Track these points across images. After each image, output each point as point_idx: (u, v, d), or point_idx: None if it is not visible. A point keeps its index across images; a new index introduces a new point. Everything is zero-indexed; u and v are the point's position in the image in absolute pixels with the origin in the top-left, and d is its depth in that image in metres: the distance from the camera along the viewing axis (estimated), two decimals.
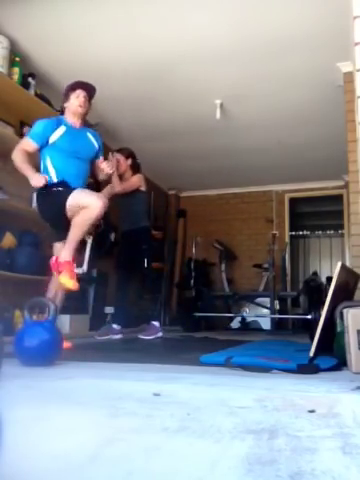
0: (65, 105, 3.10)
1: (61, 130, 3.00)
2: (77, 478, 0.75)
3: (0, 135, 3.43)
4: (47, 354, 1.96)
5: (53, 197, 2.87)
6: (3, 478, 0.74)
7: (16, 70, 3.58)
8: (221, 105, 4.48)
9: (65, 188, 2.87)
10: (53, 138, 2.97)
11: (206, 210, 7.31)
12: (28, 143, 2.97)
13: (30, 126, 3.92)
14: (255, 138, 5.29)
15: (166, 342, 3.60)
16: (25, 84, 3.68)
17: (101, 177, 3.25)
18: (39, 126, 3.00)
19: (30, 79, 3.74)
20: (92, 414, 1.13)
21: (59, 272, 2.79)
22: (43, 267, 3.61)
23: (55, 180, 2.93)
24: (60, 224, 2.89)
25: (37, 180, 2.86)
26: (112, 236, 4.30)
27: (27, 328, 2.05)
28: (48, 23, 3.39)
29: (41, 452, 0.86)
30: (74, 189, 2.84)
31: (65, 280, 2.73)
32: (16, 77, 3.58)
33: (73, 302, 3.86)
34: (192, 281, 6.26)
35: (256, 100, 4.44)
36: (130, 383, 1.57)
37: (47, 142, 2.97)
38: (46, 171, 2.98)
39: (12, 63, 3.56)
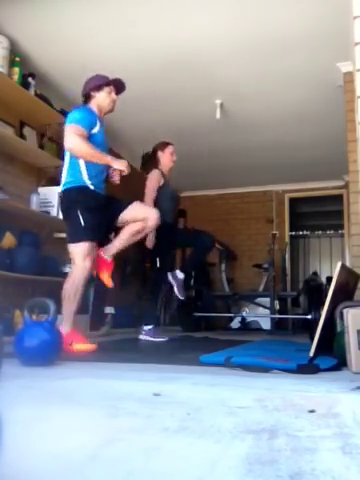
0: (93, 94, 2.88)
1: (98, 125, 2.82)
2: (77, 478, 0.75)
3: (0, 135, 3.43)
4: (47, 354, 1.96)
5: (74, 218, 2.74)
6: (3, 478, 0.74)
7: (16, 70, 3.58)
8: (221, 105, 4.48)
9: (85, 225, 2.72)
10: (95, 130, 2.77)
11: (206, 210, 7.31)
12: (81, 130, 2.68)
13: (30, 126, 3.95)
14: (255, 138, 5.29)
15: (166, 342, 3.59)
16: (25, 84, 3.68)
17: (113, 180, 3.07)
18: (84, 113, 2.78)
19: (30, 79, 3.74)
20: (92, 414, 1.13)
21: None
22: (43, 267, 3.62)
23: (88, 183, 2.78)
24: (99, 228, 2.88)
25: (123, 163, 2.75)
26: (112, 236, 4.29)
27: (27, 328, 2.05)
28: (48, 23, 3.39)
29: (41, 452, 0.86)
30: (92, 221, 2.75)
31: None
32: (16, 77, 3.58)
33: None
34: (192, 281, 6.25)
35: (256, 100, 4.45)
36: (130, 383, 1.57)
37: (89, 134, 2.73)
38: (76, 168, 2.77)
39: (12, 63, 3.56)
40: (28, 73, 3.76)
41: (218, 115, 4.47)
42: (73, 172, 2.79)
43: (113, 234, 3.14)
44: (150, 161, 3.97)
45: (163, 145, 3.93)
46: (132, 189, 3.88)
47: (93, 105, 2.90)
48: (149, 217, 2.90)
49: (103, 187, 2.94)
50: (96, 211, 2.80)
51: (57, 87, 4.18)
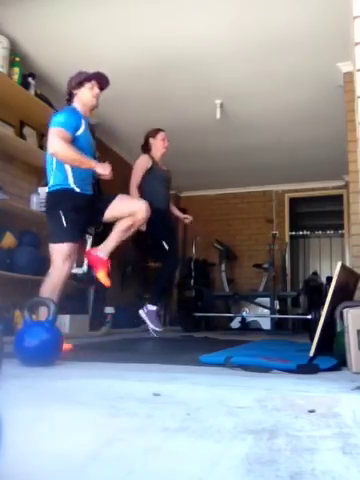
0: (75, 92, 2.87)
1: (83, 125, 2.78)
2: (77, 478, 0.75)
3: (0, 135, 3.43)
4: (47, 354, 1.96)
5: (56, 218, 2.72)
6: (3, 478, 0.74)
7: (16, 70, 3.59)
8: (221, 105, 4.48)
9: (67, 226, 2.70)
10: (79, 132, 2.74)
11: (206, 210, 7.31)
12: (65, 134, 2.66)
13: (30, 126, 3.95)
14: (255, 138, 5.29)
15: (166, 342, 3.59)
16: (25, 84, 3.68)
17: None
18: (68, 115, 2.75)
19: (30, 79, 3.75)
20: (92, 414, 1.13)
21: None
22: (43, 267, 3.62)
23: (72, 186, 2.76)
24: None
25: (106, 168, 2.72)
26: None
27: (27, 328, 2.05)
28: (48, 23, 3.39)
29: (41, 452, 0.86)
30: (73, 224, 2.73)
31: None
32: (16, 77, 3.58)
33: (73, 302, 3.85)
34: (192, 281, 6.26)
35: (256, 100, 4.45)
36: (130, 383, 1.57)
37: (73, 136, 2.71)
38: (62, 171, 2.75)
39: (12, 63, 3.56)
40: (28, 73, 3.76)
41: (218, 115, 4.47)
42: (59, 175, 2.77)
43: (100, 230, 3.14)
44: (143, 147, 4.04)
45: (155, 131, 3.99)
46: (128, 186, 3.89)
47: (76, 103, 2.88)
48: (137, 210, 2.85)
49: (90, 188, 2.91)
50: (80, 211, 2.78)
51: (57, 87, 4.18)
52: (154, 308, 3.74)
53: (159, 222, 3.70)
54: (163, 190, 3.96)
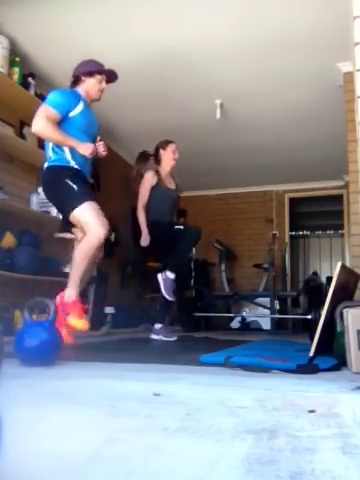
0: (83, 78, 2.86)
1: (80, 106, 2.78)
2: (77, 478, 0.75)
3: (0, 135, 3.43)
4: (47, 354, 1.96)
5: (63, 191, 2.68)
6: (3, 478, 0.74)
7: (16, 70, 3.59)
8: (221, 105, 4.49)
9: (78, 185, 2.65)
10: (74, 113, 2.73)
11: (206, 210, 7.31)
12: (51, 112, 2.64)
13: (30, 126, 3.94)
14: (255, 138, 5.29)
15: (166, 342, 3.59)
16: (25, 84, 3.68)
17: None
18: (62, 95, 2.74)
19: (30, 79, 3.75)
20: (92, 414, 1.13)
21: (66, 314, 2.64)
22: (43, 267, 3.62)
23: (72, 163, 2.73)
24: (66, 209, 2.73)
25: (87, 149, 2.69)
26: (112, 236, 4.30)
27: (27, 328, 2.05)
28: (48, 23, 3.39)
29: (41, 452, 0.86)
30: (85, 191, 2.67)
31: (75, 322, 2.60)
32: (16, 77, 3.58)
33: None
34: (192, 281, 6.26)
35: (256, 100, 4.45)
36: (130, 383, 1.56)
37: (66, 117, 2.71)
38: (60, 150, 2.75)
39: (12, 63, 3.56)
40: (28, 73, 3.76)
41: (218, 115, 4.47)
42: (57, 151, 2.77)
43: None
44: (146, 159, 4.03)
45: (165, 143, 3.96)
46: (129, 188, 3.89)
47: (81, 89, 2.89)
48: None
49: (88, 173, 2.90)
50: (84, 182, 2.76)
51: (57, 87, 4.17)
52: (172, 276, 3.70)
53: (165, 239, 3.74)
54: (166, 206, 3.95)
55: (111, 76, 2.93)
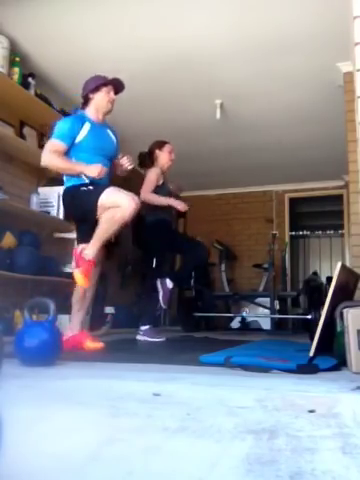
0: (91, 96, 2.92)
1: (86, 128, 2.85)
2: (77, 478, 0.75)
3: (0, 135, 3.43)
4: (47, 354, 1.96)
5: (84, 196, 2.77)
6: (3, 478, 0.74)
7: (16, 70, 3.59)
8: (221, 105, 4.48)
9: (96, 186, 2.76)
10: (79, 138, 2.82)
11: (206, 210, 7.30)
12: (57, 145, 2.79)
13: (30, 126, 3.95)
14: (255, 138, 5.29)
15: (166, 342, 3.59)
16: (25, 84, 3.68)
17: (119, 173, 3.12)
18: (64, 126, 2.84)
19: (30, 79, 3.75)
20: (92, 414, 1.13)
21: (77, 266, 2.79)
22: (43, 267, 3.62)
23: (86, 180, 2.81)
24: (88, 224, 2.82)
25: (94, 170, 2.75)
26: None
27: (27, 328, 2.05)
28: (48, 23, 3.39)
29: (41, 452, 0.86)
30: (105, 187, 2.74)
31: (78, 276, 2.73)
32: (16, 77, 3.58)
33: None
34: (192, 281, 6.26)
35: (256, 100, 4.45)
36: (130, 383, 1.57)
37: (72, 143, 2.82)
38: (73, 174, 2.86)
39: (12, 63, 3.56)
40: (28, 73, 3.76)
41: (218, 115, 4.47)
42: (73, 174, 2.85)
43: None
44: (146, 160, 3.96)
45: (161, 144, 3.91)
46: (128, 186, 3.88)
47: (91, 107, 2.94)
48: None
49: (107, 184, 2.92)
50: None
51: (57, 87, 4.18)
52: (171, 286, 3.71)
53: (163, 237, 3.72)
54: (169, 207, 3.93)
55: (118, 85, 2.98)
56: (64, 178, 2.93)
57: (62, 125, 2.85)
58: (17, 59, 3.61)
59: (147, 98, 4.44)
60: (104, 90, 2.92)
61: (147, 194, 3.68)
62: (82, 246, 2.81)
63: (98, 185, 2.78)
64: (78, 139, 2.82)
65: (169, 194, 3.95)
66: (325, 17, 3.21)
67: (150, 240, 3.82)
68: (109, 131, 3.05)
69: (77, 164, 2.80)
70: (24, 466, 0.79)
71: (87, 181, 2.81)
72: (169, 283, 3.72)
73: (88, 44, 3.62)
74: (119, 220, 2.67)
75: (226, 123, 4.82)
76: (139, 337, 3.69)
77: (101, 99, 2.92)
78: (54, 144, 2.79)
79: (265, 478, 0.73)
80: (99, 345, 2.83)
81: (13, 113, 3.75)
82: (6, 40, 3.45)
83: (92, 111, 2.94)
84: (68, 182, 2.90)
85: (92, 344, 2.83)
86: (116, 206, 2.65)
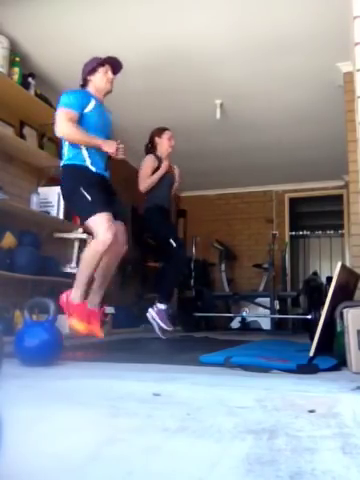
0: (89, 78, 2.92)
1: (92, 103, 2.83)
2: (77, 478, 0.75)
3: (0, 135, 3.43)
4: (47, 354, 1.96)
5: (79, 199, 2.72)
6: (3, 478, 0.74)
7: (16, 70, 3.58)
8: (221, 105, 4.49)
9: (93, 198, 2.67)
10: (88, 109, 2.78)
11: (206, 210, 7.31)
12: (70, 113, 2.70)
13: (30, 126, 3.95)
14: (255, 138, 5.29)
15: (166, 342, 3.59)
16: (25, 84, 3.68)
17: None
18: (74, 94, 2.79)
19: (30, 79, 3.75)
20: (92, 414, 1.13)
21: (70, 315, 2.66)
22: (43, 267, 3.62)
23: (87, 162, 2.77)
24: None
25: (112, 145, 2.74)
26: None
27: (27, 328, 2.05)
28: (48, 23, 3.39)
29: (41, 452, 0.86)
30: (98, 195, 2.70)
31: (76, 324, 2.60)
32: (16, 77, 3.58)
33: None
34: (192, 281, 6.26)
35: (256, 100, 4.45)
36: (130, 383, 1.57)
37: (81, 114, 2.75)
38: (76, 148, 2.78)
39: (12, 63, 3.56)
40: (28, 73, 3.76)
41: (218, 115, 4.47)
42: (72, 149, 2.80)
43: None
44: (147, 147, 3.99)
45: (160, 131, 3.94)
46: (129, 186, 3.88)
47: (91, 88, 2.93)
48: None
49: (104, 166, 2.91)
50: (100, 188, 2.78)
51: (57, 87, 4.18)
52: (164, 306, 3.62)
53: (164, 221, 3.70)
54: (167, 191, 3.95)
55: (115, 64, 2.97)
56: (66, 152, 2.83)
57: (72, 94, 2.79)
58: (17, 59, 3.61)
59: (147, 98, 4.44)
60: (101, 70, 2.91)
61: (143, 184, 3.75)
62: (66, 294, 2.72)
63: (95, 188, 2.72)
64: (86, 110, 2.78)
65: (166, 179, 3.92)
66: (325, 17, 3.21)
67: (152, 226, 3.80)
68: (107, 113, 3.04)
69: (94, 137, 2.76)
70: (24, 466, 0.79)
71: (92, 168, 2.78)
72: (161, 306, 3.63)
73: (88, 44, 3.62)
74: (94, 255, 2.61)
75: (226, 123, 4.82)
76: (150, 314, 3.61)
77: (100, 79, 2.91)
78: (68, 112, 2.70)
79: (265, 478, 0.73)
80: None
81: (13, 113, 3.75)
82: (6, 40, 3.45)
83: (93, 92, 2.92)
84: (70, 159, 2.81)
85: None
86: (94, 234, 2.65)
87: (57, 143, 3.99)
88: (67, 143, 2.83)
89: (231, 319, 5.99)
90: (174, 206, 4.11)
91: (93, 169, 2.82)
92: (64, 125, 2.70)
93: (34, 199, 3.79)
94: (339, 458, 0.81)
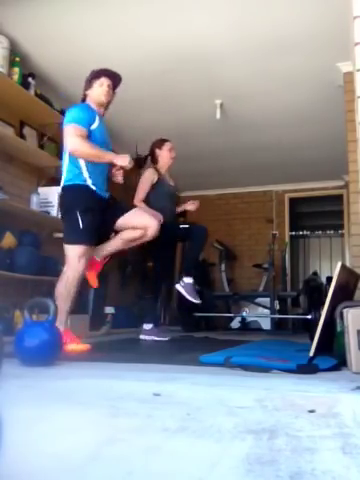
0: (87, 92, 2.89)
1: (97, 120, 2.79)
2: (77, 478, 0.75)
3: (0, 135, 3.43)
4: (47, 354, 1.96)
5: (73, 219, 2.72)
6: (3, 478, 0.74)
7: (16, 70, 3.58)
8: (221, 105, 4.48)
9: (83, 227, 2.70)
10: (94, 126, 2.75)
11: (206, 210, 7.28)
12: (80, 129, 2.68)
13: (30, 126, 3.95)
14: (255, 138, 5.29)
15: (166, 342, 3.59)
16: (25, 84, 3.68)
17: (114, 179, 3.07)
18: (82, 110, 2.76)
19: (30, 79, 3.75)
20: (92, 414, 1.13)
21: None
22: (43, 267, 3.62)
23: (88, 182, 2.75)
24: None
25: (125, 159, 2.75)
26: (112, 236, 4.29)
27: (27, 328, 2.05)
28: (48, 23, 3.39)
29: (41, 452, 0.86)
30: (90, 225, 2.74)
31: (74, 347, 2.62)
32: (16, 77, 3.58)
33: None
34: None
35: (256, 100, 4.45)
36: (130, 383, 1.57)
37: (88, 130, 2.72)
38: (77, 166, 2.74)
39: (12, 63, 3.56)
40: (28, 73, 3.76)
41: (218, 115, 4.47)
42: (73, 169, 2.76)
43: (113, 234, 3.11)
44: (147, 159, 3.96)
45: (160, 142, 3.91)
46: (132, 191, 3.87)
47: (90, 102, 2.90)
48: (149, 226, 2.93)
49: (104, 187, 2.92)
50: (95, 213, 2.78)
51: (57, 87, 4.18)
52: (191, 280, 3.66)
53: (163, 240, 3.69)
54: (169, 205, 3.91)
55: (112, 78, 2.92)
56: (66, 171, 2.79)
57: (80, 110, 2.77)
58: (17, 59, 3.60)
59: (147, 98, 4.43)
60: (96, 83, 2.87)
61: (137, 197, 3.74)
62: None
63: (90, 215, 2.73)
64: (92, 127, 2.76)
65: (167, 192, 3.93)
66: (325, 17, 3.20)
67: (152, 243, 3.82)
68: (106, 126, 3.01)
69: (106, 152, 2.77)
70: (24, 466, 0.79)
71: (92, 187, 2.77)
72: (187, 279, 3.67)
73: (88, 44, 3.62)
74: (66, 286, 2.70)
75: (226, 123, 4.82)
76: (143, 336, 3.67)
77: (96, 93, 2.87)
78: (78, 128, 2.68)
79: (265, 478, 0.73)
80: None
81: (13, 113, 3.75)
82: (6, 40, 3.45)
83: (93, 105, 2.89)
84: (70, 180, 2.77)
85: (91, 278, 2.94)
86: (66, 261, 2.75)
87: (57, 143, 4.00)
88: (67, 163, 2.77)
89: (231, 319, 5.99)
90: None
91: (94, 188, 2.79)
92: (75, 140, 2.67)
93: (34, 199, 3.79)
94: (339, 458, 0.81)
